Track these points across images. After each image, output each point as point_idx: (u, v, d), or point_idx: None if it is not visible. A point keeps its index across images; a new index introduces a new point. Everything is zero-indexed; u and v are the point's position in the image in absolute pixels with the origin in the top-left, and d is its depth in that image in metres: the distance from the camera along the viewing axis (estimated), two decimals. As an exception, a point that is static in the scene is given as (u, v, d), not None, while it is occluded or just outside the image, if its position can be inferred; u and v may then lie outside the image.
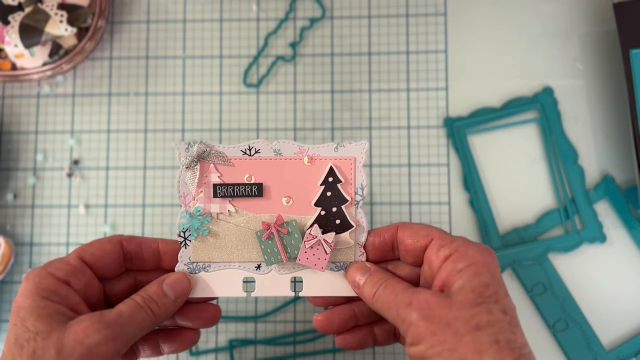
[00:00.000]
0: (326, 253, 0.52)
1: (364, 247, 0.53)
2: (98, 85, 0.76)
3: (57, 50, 0.73)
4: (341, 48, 0.75)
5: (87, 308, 0.49)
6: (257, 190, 0.53)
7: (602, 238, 0.70)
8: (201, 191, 0.54)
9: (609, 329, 0.69)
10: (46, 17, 0.69)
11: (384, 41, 0.75)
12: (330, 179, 0.53)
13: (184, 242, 0.53)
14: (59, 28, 0.69)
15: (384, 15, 0.75)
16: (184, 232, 0.53)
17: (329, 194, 0.53)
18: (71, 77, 0.76)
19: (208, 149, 0.53)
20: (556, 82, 0.73)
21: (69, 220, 0.74)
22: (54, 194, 0.75)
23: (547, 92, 0.72)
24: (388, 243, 0.53)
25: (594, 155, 0.72)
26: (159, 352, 0.54)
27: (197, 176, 0.53)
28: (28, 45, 0.70)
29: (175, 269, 0.53)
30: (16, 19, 0.70)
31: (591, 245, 0.70)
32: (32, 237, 0.74)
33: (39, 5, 0.70)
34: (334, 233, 0.52)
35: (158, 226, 0.73)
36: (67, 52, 0.73)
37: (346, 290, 0.53)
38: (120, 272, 0.54)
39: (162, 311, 0.50)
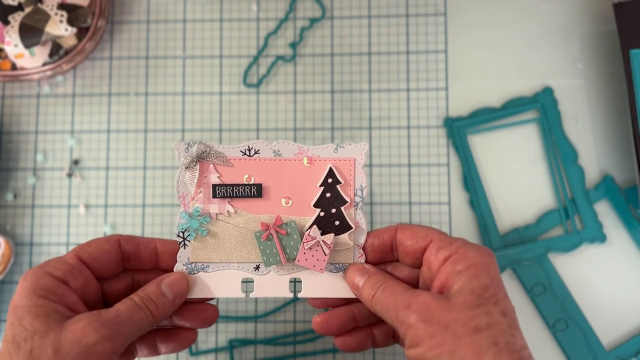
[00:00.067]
0: (325, 254, 0.52)
1: (363, 248, 0.53)
2: (98, 85, 0.76)
3: (57, 50, 0.73)
4: (341, 48, 0.75)
5: (84, 307, 0.49)
6: (256, 191, 0.53)
7: (602, 238, 0.69)
8: (200, 191, 0.53)
9: (609, 329, 0.69)
10: (46, 17, 0.69)
11: (384, 41, 0.75)
12: (330, 180, 0.53)
13: (183, 243, 0.53)
14: (59, 28, 0.69)
15: (384, 15, 0.75)
16: (183, 233, 0.53)
17: (328, 195, 0.53)
18: (71, 77, 0.76)
19: (207, 149, 0.53)
20: (556, 82, 0.73)
21: (69, 220, 0.74)
22: (54, 194, 0.75)
23: (547, 92, 0.72)
24: (387, 244, 0.53)
25: (594, 155, 0.72)
26: (157, 352, 0.54)
27: (197, 176, 0.53)
28: (28, 45, 0.70)
29: (174, 269, 0.53)
30: (16, 19, 0.70)
31: (591, 245, 0.70)
32: (32, 237, 0.74)
33: (39, 5, 0.70)
34: (333, 234, 0.52)
35: (158, 226, 0.73)
36: (67, 52, 0.73)
37: (345, 292, 0.53)
38: (118, 272, 0.54)
39: (161, 311, 0.50)
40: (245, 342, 0.71)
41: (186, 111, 0.75)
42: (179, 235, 0.53)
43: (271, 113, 0.74)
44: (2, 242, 0.71)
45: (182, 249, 0.53)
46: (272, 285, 0.53)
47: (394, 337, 0.55)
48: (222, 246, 0.53)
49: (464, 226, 0.72)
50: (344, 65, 0.75)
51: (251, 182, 0.53)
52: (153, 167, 0.74)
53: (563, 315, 0.69)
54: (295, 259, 0.52)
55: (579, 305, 0.69)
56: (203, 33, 0.76)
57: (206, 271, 0.53)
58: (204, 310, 0.54)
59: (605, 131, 0.72)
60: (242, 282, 0.53)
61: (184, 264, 0.53)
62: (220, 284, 0.53)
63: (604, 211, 0.71)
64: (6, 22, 0.70)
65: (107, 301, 0.54)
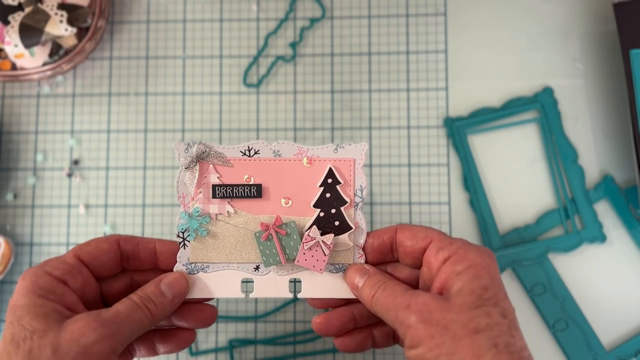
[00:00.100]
0: (325, 255, 0.52)
1: (363, 249, 0.53)
2: (98, 85, 0.76)
3: (57, 50, 0.73)
4: (341, 48, 0.75)
5: (83, 307, 0.49)
6: (256, 191, 0.53)
7: (602, 238, 0.69)
8: (200, 192, 0.53)
9: (609, 329, 0.69)
10: (46, 17, 0.69)
11: (384, 41, 0.75)
12: (330, 181, 0.53)
13: (182, 243, 0.53)
14: (59, 28, 0.69)
15: (384, 15, 0.75)
16: (183, 233, 0.53)
17: (328, 195, 0.53)
18: (71, 77, 0.76)
19: (207, 149, 0.53)
20: (556, 82, 0.73)
21: (69, 220, 0.74)
22: (54, 194, 0.75)
23: (547, 92, 0.72)
24: (387, 245, 0.53)
25: (594, 155, 0.72)
26: (155, 352, 0.54)
27: (197, 177, 0.53)
28: (28, 45, 0.70)
29: (174, 269, 0.53)
30: (16, 19, 0.70)
31: (591, 245, 0.70)
32: (32, 237, 0.74)
33: (39, 5, 0.70)
34: (332, 235, 0.52)
35: (158, 226, 0.73)
36: (67, 52, 0.73)
37: (345, 292, 0.53)
38: (117, 272, 0.54)
39: (160, 311, 0.50)
40: (245, 342, 0.71)
41: (186, 111, 0.75)
42: (178, 236, 0.53)
43: (271, 113, 0.74)
44: (2, 242, 0.71)
45: (181, 249, 0.53)
46: (272, 285, 0.53)
47: (394, 337, 0.55)
48: (222, 246, 0.53)
49: (464, 226, 0.71)
50: (344, 65, 0.75)
51: (251, 183, 0.53)
52: (153, 167, 0.74)
53: (563, 315, 0.69)
54: (295, 259, 0.52)
55: (579, 305, 0.69)
56: (203, 33, 0.76)
57: (206, 271, 0.53)
58: (203, 311, 0.54)
59: (605, 131, 0.72)
60: (242, 282, 0.53)
61: (183, 264, 0.53)
62: (220, 284, 0.53)
63: (604, 211, 0.71)
64: (6, 22, 0.70)
65: (105, 301, 0.54)
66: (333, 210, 0.53)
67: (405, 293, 0.47)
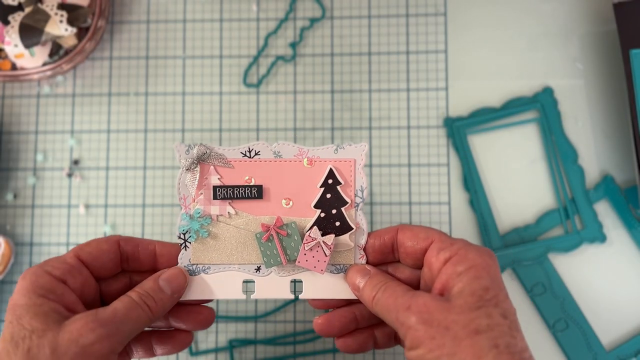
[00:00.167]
0: (326, 255, 0.52)
1: (364, 249, 0.53)
2: (98, 85, 0.76)
3: (57, 50, 0.73)
4: (341, 48, 0.75)
5: (83, 307, 0.49)
6: (256, 192, 0.53)
7: (602, 238, 0.70)
8: (201, 193, 0.53)
9: (609, 329, 0.69)
10: (46, 17, 0.69)
11: (384, 41, 0.75)
12: (330, 181, 0.53)
13: (184, 244, 0.53)
14: (59, 28, 0.69)
15: (384, 15, 0.75)
16: (184, 234, 0.53)
17: (328, 196, 0.53)
18: (71, 77, 0.76)
19: (208, 151, 0.53)
20: (556, 82, 0.73)
21: (69, 220, 0.74)
22: (54, 194, 0.75)
23: (547, 92, 0.72)
24: (388, 245, 0.53)
25: (594, 155, 0.72)
26: (152, 354, 0.54)
27: (197, 178, 0.53)
28: (28, 45, 0.70)
29: (175, 269, 0.53)
30: (16, 19, 0.70)
31: (591, 245, 0.70)
32: (32, 237, 0.74)
33: (39, 5, 0.70)
34: (333, 235, 0.52)
35: (158, 226, 0.73)
36: (67, 52, 0.73)
37: (346, 293, 0.53)
38: (116, 272, 0.54)
39: (159, 307, 0.50)
40: (245, 342, 0.71)
41: (186, 111, 0.75)
42: (179, 237, 0.53)
43: (271, 113, 0.74)
44: (2, 242, 0.71)
45: (183, 250, 0.53)
46: (273, 286, 0.53)
47: (395, 338, 0.55)
48: (223, 247, 0.53)
49: (464, 226, 0.72)
50: (344, 65, 0.75)
51: (252, 184, 0.53)
52: (153, 167, 0.74)
53: (563, 315, 0.69)
54: (296, 260, 0.52)
55: (579, 305, 0.69)
56: (203, 33, 0.76)
57: (207, 273, 0.53)
58: (201, 313, 0.54)
59: (605, 131, 0.72)
60: (243, 283, 0.53)
61: (185, 266, 0.53)
62: (221, 285, 0.53)
63: (604, 211, 0.71)
64: (6, 22, 0.70)
65: (105, 301, 0.53)
66: (334, 211, 0.53)
67: (406, 294, 0.47)
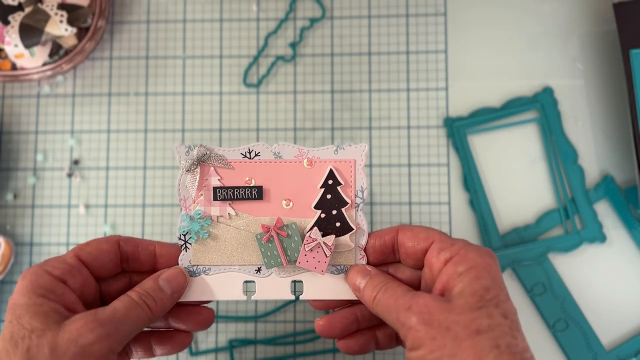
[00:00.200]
0: (326, 256, 0.52)
1: (365, 250, 0.53)
2: (98, 85, 0.76)
3: (57, 50, 0.73)
4: (341, 48, 0.75)
5: (82, 307, 0.49)
6: (257, 193, 0.53)
7: (602, 238, 0.70)
8: (201, 194, 0.53)
9: (609, 329, 0.69)
10: (46, 17, 0.69)
11: (384, 41, 0.75)
12: (330, 182, 0.53)
13: (184, 245, 0.53)
14: (59, 28, 0.69)
15: (384, 15, 0.75)
16: (185, 235, 0.53)
17: (328, 196, 0.53)
18: (71, 77, 0.76)
19: (208, 152, 0.53)
20: (556, 82, 0.73)
21: (69, 220, 0.74)
22: (54, 194, 0.75)
23: (547, 92, 0.72)
24: (389, 246, 0.53)
25: (594, 155, 0.72)
26: (152, 354, 0.54)
27: (197, 179, 0.53)
28: (28, 45, 0.70)
29: (175, 271, 0.53)
30: (16, 19, 0.70)
31: (591, 245, 0.70)
32: (32, 237, 0.74)
33: (39, 5, 0.70)
34: (334, 236, 0.52)
35: (158, 226, 0.73)
36: (67, 52, 0.73)
37: (347, 294, 0.53)
38: (116, 272, 0.54)
39: (159, 307, 0.50)
40: (245, 342, 0.71)
41: (186, 111, 0.75)
42: (180, 238, 0.53)
43: (271, 113, 0.74)
44: (2, 242, 0.71)
45: (183, 251, 0.53)
46: (274, 287, 0.53)
47: (397, 339, 0.55)
48: (224, 249, 0.53)
49: (464, 226, 0.72)
50: (344, 65, 0.75)
51: (252, 185, 0.53)
52: (153, 167, 0.74)
53: (563, 315, 0.69)
54: (296, 260, 0.52)
55: (579, 305, 0.69)
56: (203, 33, 0.76)
57: (207, 274, 0.53)
58: (200, 314, 0.54)
59: (605, 131, 0.72)
60: (244, 283, 0.53)
61: (185, 267, 0.53)
62: (222, 286, 0.53)
63: (604, 211, 0.71)
64: (6, 22, 0.70)
65: (105, 301, 0.53)
66: (334, 212, 0.53)
67: (407, 294, 0.47)
